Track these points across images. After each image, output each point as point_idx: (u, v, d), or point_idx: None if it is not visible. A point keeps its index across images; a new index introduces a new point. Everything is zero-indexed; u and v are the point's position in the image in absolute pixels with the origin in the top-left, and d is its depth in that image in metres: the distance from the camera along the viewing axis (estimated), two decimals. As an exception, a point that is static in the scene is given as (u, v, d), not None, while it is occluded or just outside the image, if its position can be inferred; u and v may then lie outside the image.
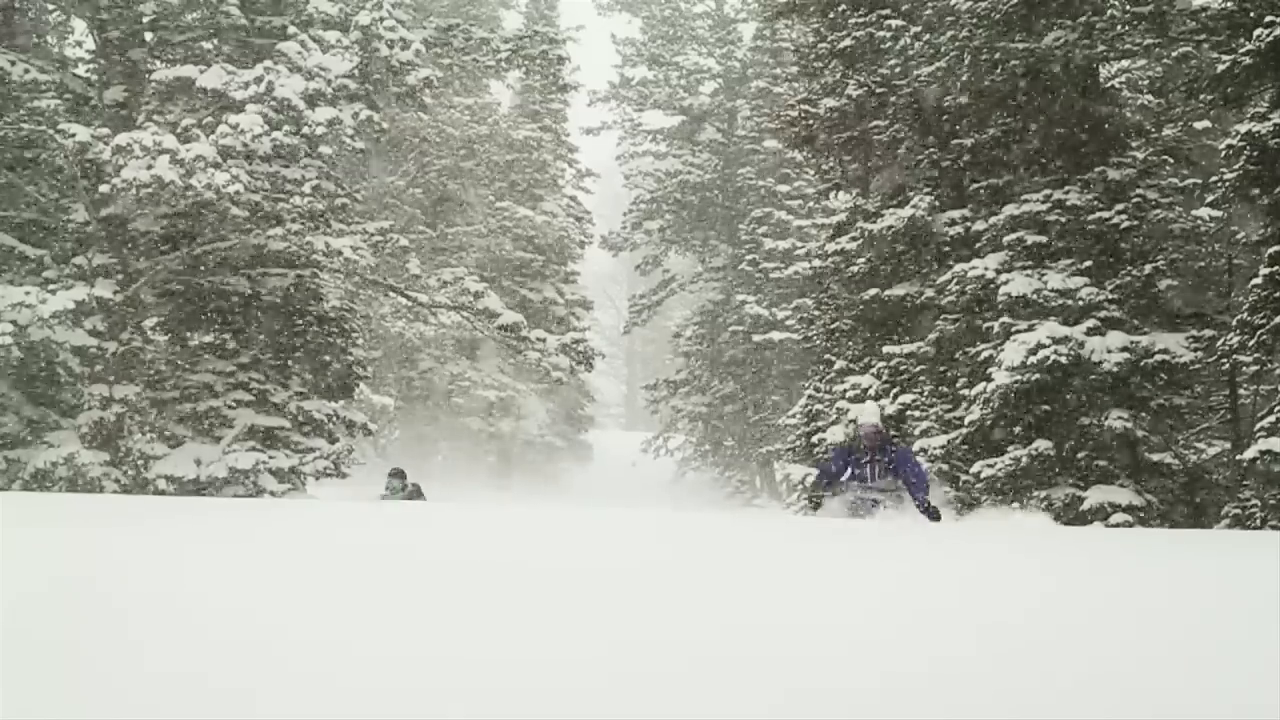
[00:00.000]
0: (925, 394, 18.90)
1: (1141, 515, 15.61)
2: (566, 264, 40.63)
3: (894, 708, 2.14)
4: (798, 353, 33.09)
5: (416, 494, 14.76)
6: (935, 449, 17.46)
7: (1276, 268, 14.23)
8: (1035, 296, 16.55)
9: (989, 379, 16.48)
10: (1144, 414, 16.53)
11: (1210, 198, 17.31)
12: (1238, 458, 15.26)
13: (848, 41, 20.75)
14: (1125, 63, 18.48)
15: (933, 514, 10.22)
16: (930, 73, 19.42)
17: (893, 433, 10.61)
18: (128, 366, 18.91)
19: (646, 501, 30.58)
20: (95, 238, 19.02)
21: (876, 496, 10.38)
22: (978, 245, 18.42)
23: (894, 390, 19.24)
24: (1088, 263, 16.82)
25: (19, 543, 4.47)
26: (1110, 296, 16.62)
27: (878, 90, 20.39)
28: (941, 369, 18.90)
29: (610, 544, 5.41)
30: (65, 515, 6.56)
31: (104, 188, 17.62)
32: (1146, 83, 18.90)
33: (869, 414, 10.93)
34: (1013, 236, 17.33)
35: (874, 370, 19.90)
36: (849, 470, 10.58)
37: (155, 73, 19.00)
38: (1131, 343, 16.07)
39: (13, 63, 18.45)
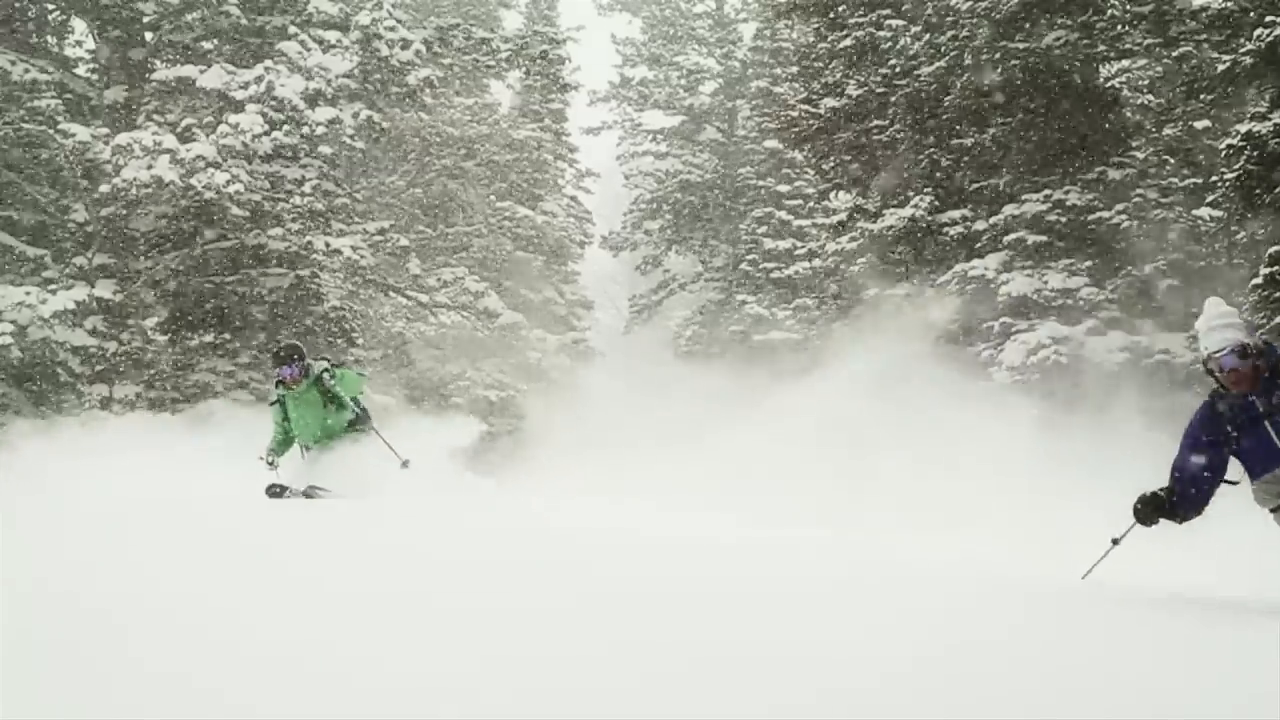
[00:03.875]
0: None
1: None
2: (566, 264, 40.52)
3: (894, 707, 2.14)
4: (796, 353, 33.03)
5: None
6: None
7: (1276, 268, 14.22)
8: (1035, 296, 16.54)
9: (989, 379, 16.48)
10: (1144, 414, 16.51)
11: (1210, 198, 17.30)
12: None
13: (848, 41, 20.71)
14: (1125, 63, 18.47)
15: None
16: (930, 73, 19.39)
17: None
18: (128, 367, 18.90)
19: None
20: (95, 238, 19.02)
21: None
22: (978, 245, 18.41)
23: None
24: (1088, 263, 16.81)
25: (18, 542, 4.47)
26: (1110, 296, 16.61)
27: (878, 90, 20.35)
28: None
29: (608, 543, 5.41)
30: (64, 515, 6.56)
31: (104, 188, 17.62)
32: (1146, 83, 18.87)
33: (1219, 324, 5.33)
34: (1013, 236, 17.31)
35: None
36: (1224, 450, 5.30)
37: (155, 73, 19.01)
38: (1131, 343, 16.07)
39: (13, 63, 18.45)
